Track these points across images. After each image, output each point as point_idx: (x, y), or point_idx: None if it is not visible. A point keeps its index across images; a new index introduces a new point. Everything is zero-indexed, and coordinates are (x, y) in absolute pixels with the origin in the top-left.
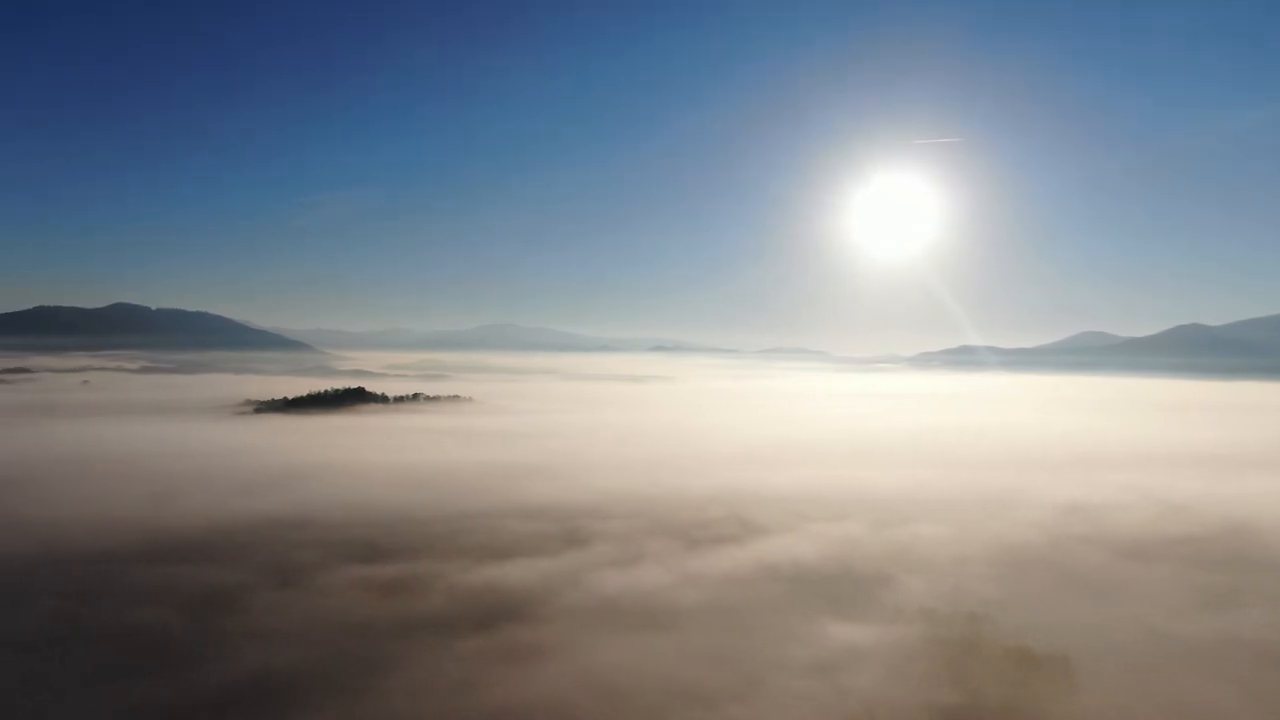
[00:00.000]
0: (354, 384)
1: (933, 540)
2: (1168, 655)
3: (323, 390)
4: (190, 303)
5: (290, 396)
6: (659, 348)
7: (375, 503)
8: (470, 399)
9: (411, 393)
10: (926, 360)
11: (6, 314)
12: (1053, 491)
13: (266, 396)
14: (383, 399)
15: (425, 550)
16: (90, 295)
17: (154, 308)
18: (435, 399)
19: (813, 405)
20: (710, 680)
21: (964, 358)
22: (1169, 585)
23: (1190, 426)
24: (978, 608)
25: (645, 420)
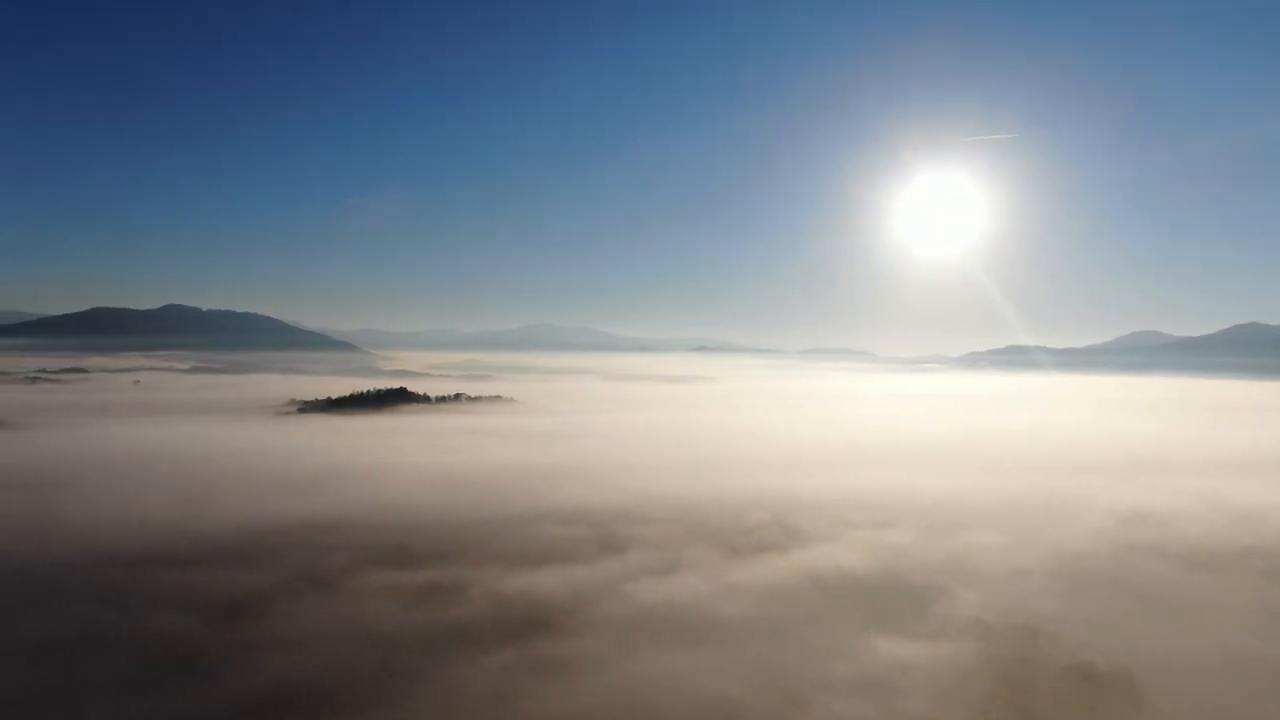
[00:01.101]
0: (398, 384)
1: (986, 549)
2: (1243, 676)
3: (365, 390)
4: (240, 304)
5: (334, 396)
6: (701, 348)
7: (411, 505)
8: (511, 399)
9: (453, 393)
10: (974, 360)
11: (65, 315)
12: (1113, 498)
13: (311, 396)
14: (425, 399)
15: (458, 555)
16: (144, 297)
17: (205, 309)
18: (477, 399)
19: (857, 406)
20: (751, 699)
21: (1012, 358)
22: (1241, 600)
23: (1254, 429)
24: (1037, 623)
25: (685, 421)
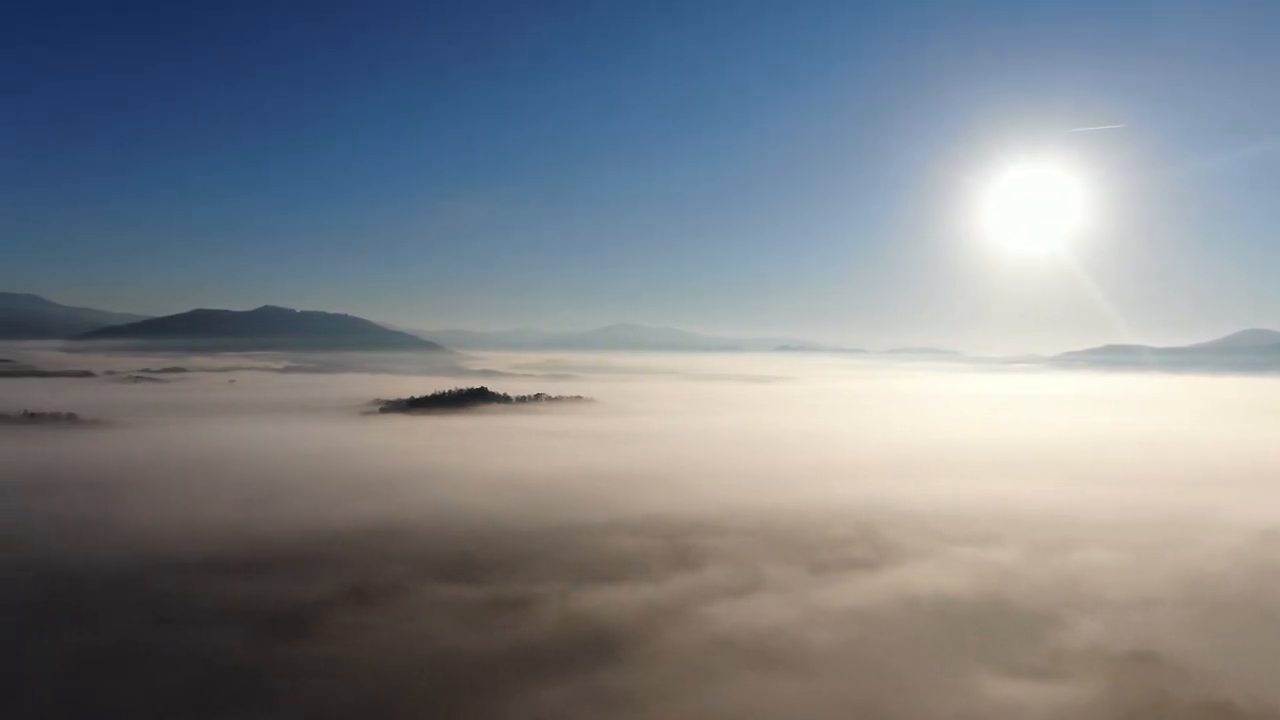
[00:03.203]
0: (481, 384)
1: (1106, 570)
2: None
3: (446, 390)
4: (332, 305)
5: (416, 396)
6: (784, 348)
7: (478, 510)
8: (591, 399)
9: (534, 393)
10: (1070, 360)
11: (168, 316)
12: (1244, 513)
13: (394, 396)
14: (504, 399)
15: (521, 568)
16: (242, 298)
17: (299, 310)
18: (557, 399)
19: (948, 408)
20: None
21: (1112, 357)
22: None
23: None
24: (1168, 656)
25: (765, 423)
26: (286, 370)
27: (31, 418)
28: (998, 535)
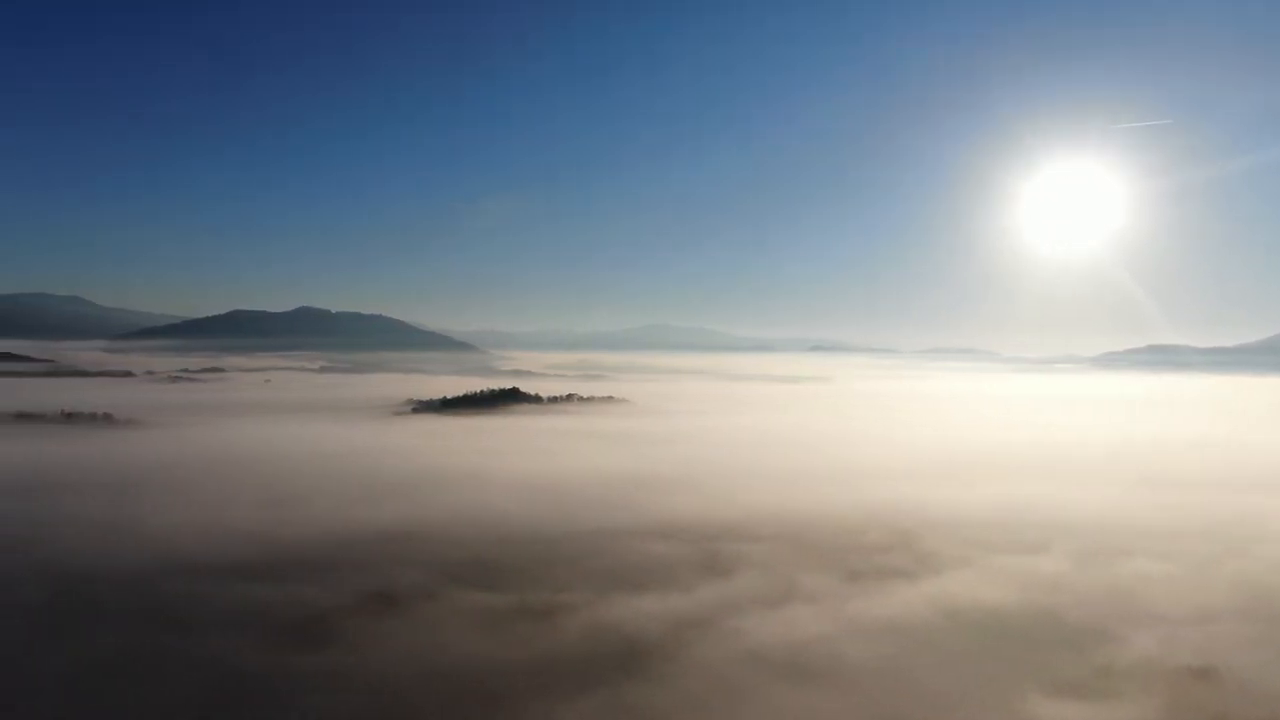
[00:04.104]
0: (512, 384)
1: (1159, 581)
2: None
3: (478, 390)
4: (367, 306)
5: (448, 396)
6: (817, 347)
7: (503, 514)
8: (623, 400)
9: (565, 393)
10: (1111, 360)
11: (207, 317)
12: None
13: (426, 396)
14: (536, 399)
15: (545, 575)
16: (279, 299)
17: (334, 311)
18: (588, 399)
19: (985, 409)
20: None
21: (1153, 358)
22: None
23: None
24: (1228, 673)
25: (797, 424)
26: (322, 370)
27: (68, 418)
28: (1042, 543)
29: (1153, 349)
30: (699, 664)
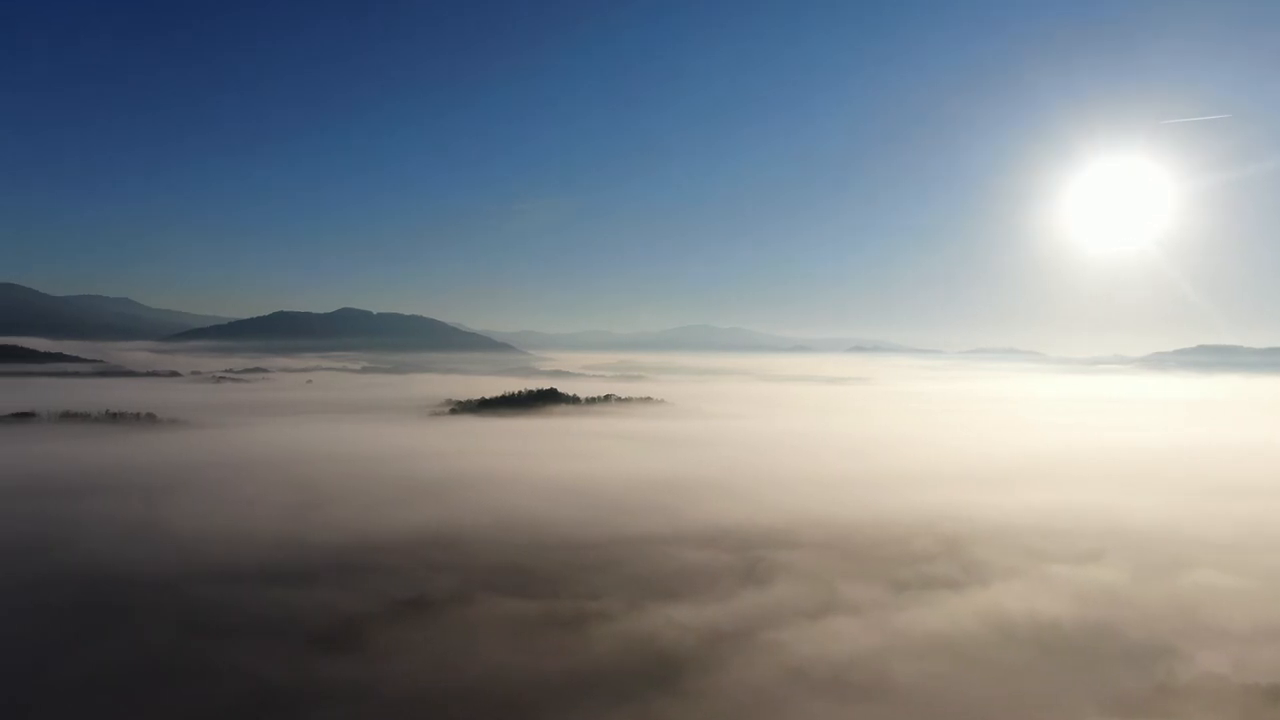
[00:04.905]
0: (552, 384)
1: (1224, 595)
2: None
3: (516, 391)
4: (408, 307)
5: (487, 397)
6: (858, 348)
7: (538, 518)
8: (662, 400)
9: (603, 394)
10: (1160, 361)
11: (252, 318)
12: None
13: (465, 396)
14: (574, 400)
15: (578, 582)
16: (322, 301)
17: (375, 312)
18: (626, 400)
19: (1031, 411)
20: None
21: (1205, 358)
22: None
23: None
24: None
25: (839, 426)
26: (364, 370)
27: (113, 417)
28: (1099, 552)
29: (1203, 349)
30: (735, 679)
